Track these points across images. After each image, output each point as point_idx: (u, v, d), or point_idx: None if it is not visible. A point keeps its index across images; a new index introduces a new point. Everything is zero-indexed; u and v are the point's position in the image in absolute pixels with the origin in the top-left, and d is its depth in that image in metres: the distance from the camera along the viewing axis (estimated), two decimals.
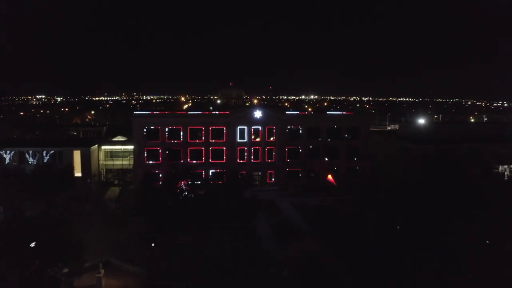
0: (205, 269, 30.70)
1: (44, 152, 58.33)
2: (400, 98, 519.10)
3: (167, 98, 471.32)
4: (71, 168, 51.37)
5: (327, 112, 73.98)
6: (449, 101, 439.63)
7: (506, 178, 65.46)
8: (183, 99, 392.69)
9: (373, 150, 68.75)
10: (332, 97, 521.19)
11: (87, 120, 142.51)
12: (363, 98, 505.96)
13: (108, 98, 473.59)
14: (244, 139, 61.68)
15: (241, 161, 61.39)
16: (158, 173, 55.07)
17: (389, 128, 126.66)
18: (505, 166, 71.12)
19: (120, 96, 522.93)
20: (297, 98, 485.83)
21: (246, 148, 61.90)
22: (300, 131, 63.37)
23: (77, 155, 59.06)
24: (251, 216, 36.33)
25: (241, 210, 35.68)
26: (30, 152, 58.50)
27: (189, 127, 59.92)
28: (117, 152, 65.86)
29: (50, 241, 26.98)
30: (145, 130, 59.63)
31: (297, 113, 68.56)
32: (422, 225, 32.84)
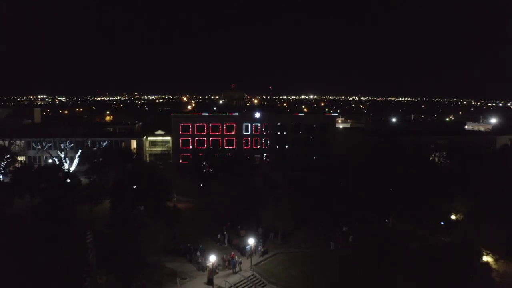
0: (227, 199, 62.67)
1: (102, 141, 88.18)
2: (399, 98, 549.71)
3: (168, 98, 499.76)
4: (132, 150, 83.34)
5: (303, 114, 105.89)
6: (445, 101, 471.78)
7: (437, 162, 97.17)
8: (184, 99, 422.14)
9: (346, 142, 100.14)
10: (332, 97, 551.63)
11: (106, 119, 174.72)
12: (362, 98, 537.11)
13: (110, 98, 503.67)
14: (248, 132, 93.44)
15: (246, 147, 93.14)
16: (190, 155, 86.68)
17: None
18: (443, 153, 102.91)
19: (122, 96, 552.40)
20: (296, 98, 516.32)
21: (249, 139, 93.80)
22: (286, 127, 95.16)
23: (133, 143, 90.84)
24: (252, 176, 68.71)
25: (245, 173, 68.02)
26: (89, 141, 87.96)
27: (210, 124, 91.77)
28: (156, 142, 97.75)
29: (153, 183, 57.59)
30: (180, 126, 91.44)
31: (284, 114, 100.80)
32: (358, 185, 61.83)
